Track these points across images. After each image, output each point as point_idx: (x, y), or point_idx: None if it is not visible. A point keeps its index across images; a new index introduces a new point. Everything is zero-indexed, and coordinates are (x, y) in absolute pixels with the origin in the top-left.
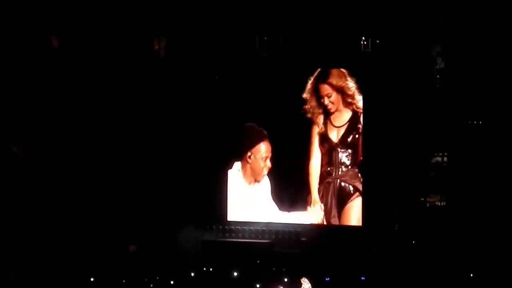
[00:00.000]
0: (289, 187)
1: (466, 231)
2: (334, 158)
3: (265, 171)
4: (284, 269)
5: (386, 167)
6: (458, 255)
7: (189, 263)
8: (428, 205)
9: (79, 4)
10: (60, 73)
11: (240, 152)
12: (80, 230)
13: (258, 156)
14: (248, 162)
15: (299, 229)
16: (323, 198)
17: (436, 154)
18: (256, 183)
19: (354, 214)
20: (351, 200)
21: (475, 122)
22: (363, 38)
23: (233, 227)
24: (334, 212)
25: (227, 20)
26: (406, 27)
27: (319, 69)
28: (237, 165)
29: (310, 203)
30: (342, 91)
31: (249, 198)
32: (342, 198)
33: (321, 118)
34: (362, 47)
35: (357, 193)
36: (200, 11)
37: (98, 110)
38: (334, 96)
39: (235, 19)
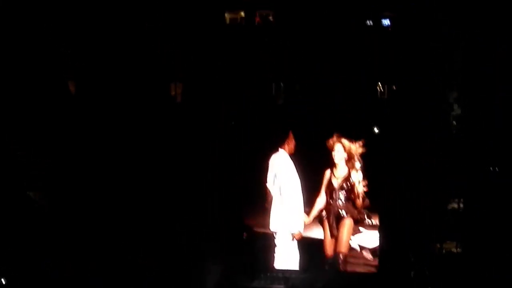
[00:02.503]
0: None
1: (483, 278)
2: (334, 196)
3: None
4: None
5: (402, 213)
6: None
7: None
8: (444, 252)
9: (96, 49)
10: (76, 118)
11: None
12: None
13: None
14: None
15: (315, 276)
16: (328, 216)
17: (452, 200)
18: None
19: (346, 226)
20: (344, 219)
21: (491, 168)
22: (380, 84)
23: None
24: (334, 225)
25: (244, 66)
26: (423, 73)
27: (337, 133)
28: None
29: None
30: (348, 152)
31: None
32: (339, 218)
33: (329, 171)
34: (379, 94)
35: (348, 215)
36: (216, 57)
37: (115, 155)
38: (342, 152)
39: (252, 65)
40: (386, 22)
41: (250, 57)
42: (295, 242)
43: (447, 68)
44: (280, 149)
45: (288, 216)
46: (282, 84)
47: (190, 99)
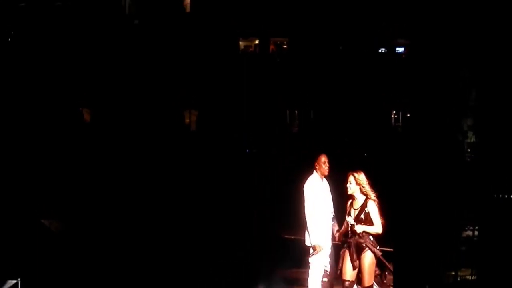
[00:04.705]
0: None
1: None
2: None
3: None
4: None
5: (417, 241)
6: None
7: None
8: (459, 279)
9: (110, 77)
10: (91, 146)
11: None
12: None
13: None
14: None
15: None
16: (349, 247)
17: (467, 228)
18: None
19: (367, 258)
20: (364, 251)
21: (506, 196)
22: (394, 111)
23: None
24: (355, 257)
25: (258, 94)
26: (436, 100)
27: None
28: None
29: None
30: (359, 184)
31: None
32: (359, 250)
33: (349, 202)
34: (393, 121)
35: (367, 248)
36: (230, 85)
37: (131, 183)
38: (354, 185)
39: (265, 93)
40: (400, 49)
41: (264, 85)
42: (327, 254)
43: (461, 96)
44: (314, 172)
45: (314, 230)
46: (296, 111)
47: (205, 127)
